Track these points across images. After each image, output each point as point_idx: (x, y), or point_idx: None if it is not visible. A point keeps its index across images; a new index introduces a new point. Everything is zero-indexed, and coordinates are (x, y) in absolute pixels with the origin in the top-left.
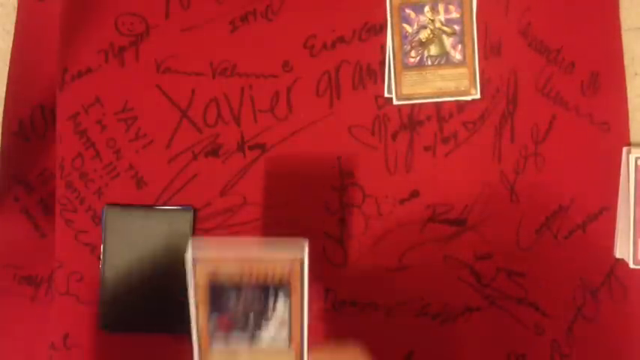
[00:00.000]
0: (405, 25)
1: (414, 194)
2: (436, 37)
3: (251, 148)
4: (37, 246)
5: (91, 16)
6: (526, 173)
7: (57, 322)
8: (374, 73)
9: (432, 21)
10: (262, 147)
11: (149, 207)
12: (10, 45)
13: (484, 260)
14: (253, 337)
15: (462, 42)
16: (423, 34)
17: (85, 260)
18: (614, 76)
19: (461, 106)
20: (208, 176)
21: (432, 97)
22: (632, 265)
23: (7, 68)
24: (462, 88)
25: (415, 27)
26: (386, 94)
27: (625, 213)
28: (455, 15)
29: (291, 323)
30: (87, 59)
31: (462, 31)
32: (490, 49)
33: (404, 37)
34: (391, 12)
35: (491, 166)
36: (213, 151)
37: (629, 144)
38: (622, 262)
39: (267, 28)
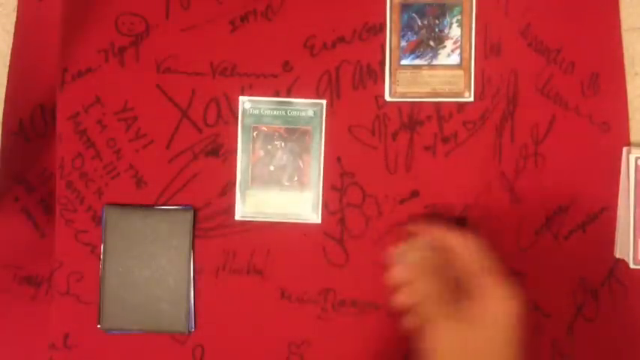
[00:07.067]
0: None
1: (414, 194)
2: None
3: None
4: (37, 246)
5: (91, 16)
6: (526, 173)
7: (57, 322)
8: (374, 73)
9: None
10: None
11: (149, 207)
12: (10, 45)
13: None
14: (433, 57)
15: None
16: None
17: (85, 260)
18: (614, 76)
19: (461, 106)
20: (208, 176)
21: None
22: (632, 265)
23: (7, 68)
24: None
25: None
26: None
27: (625, 213)
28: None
29: (462, 43)
30: (87, 59)
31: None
32: (490, 50)
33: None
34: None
35: (491, 166)
36: (213, 151)
37: (629, 144)
38: (622, 262)
39: (267, 28)
